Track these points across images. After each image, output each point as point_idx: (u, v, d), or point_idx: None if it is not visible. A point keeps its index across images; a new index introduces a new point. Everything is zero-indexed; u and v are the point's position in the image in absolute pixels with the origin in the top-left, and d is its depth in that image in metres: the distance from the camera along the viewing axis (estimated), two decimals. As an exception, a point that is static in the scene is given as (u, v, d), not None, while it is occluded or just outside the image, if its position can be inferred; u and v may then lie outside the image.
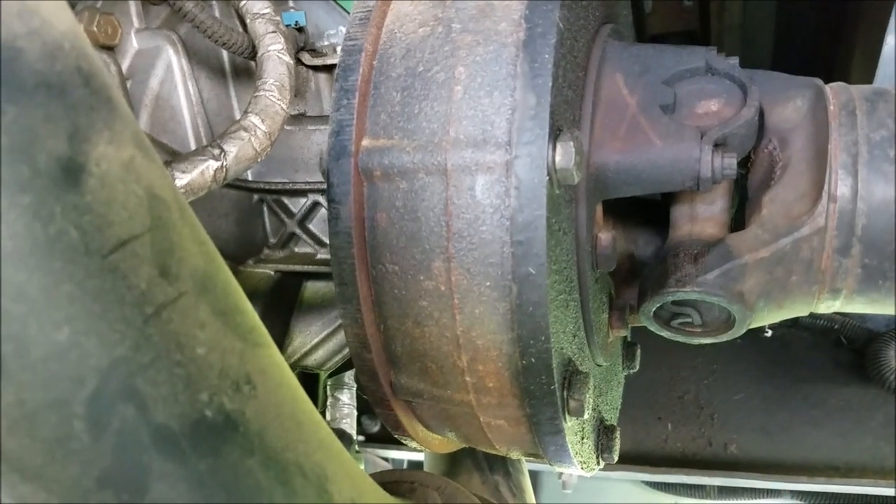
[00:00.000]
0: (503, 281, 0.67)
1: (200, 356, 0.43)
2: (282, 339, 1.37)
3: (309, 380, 1.72)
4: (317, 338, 1.38)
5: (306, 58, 1.22)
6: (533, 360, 0.69)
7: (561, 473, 1.64)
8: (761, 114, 0.78)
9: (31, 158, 0.36)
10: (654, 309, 0.80)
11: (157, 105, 1.01)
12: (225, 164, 0.85)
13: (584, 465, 0.85)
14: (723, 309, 0.77)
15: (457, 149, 0.68)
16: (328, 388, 1.61)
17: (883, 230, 0.71)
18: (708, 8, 1.79)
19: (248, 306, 0.49)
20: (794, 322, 1.63)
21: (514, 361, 0.71)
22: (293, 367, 1.39)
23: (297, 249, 1.34)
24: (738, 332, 0.79)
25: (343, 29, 1.21)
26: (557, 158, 0.64)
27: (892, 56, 1.12)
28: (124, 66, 1.02)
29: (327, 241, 0.85)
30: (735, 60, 0.80)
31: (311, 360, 1.41)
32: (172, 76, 1.03)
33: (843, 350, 1.62)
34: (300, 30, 1.19)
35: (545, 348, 0.68)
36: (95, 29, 0.93)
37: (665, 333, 0.84)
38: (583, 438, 0.84)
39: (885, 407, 1.50)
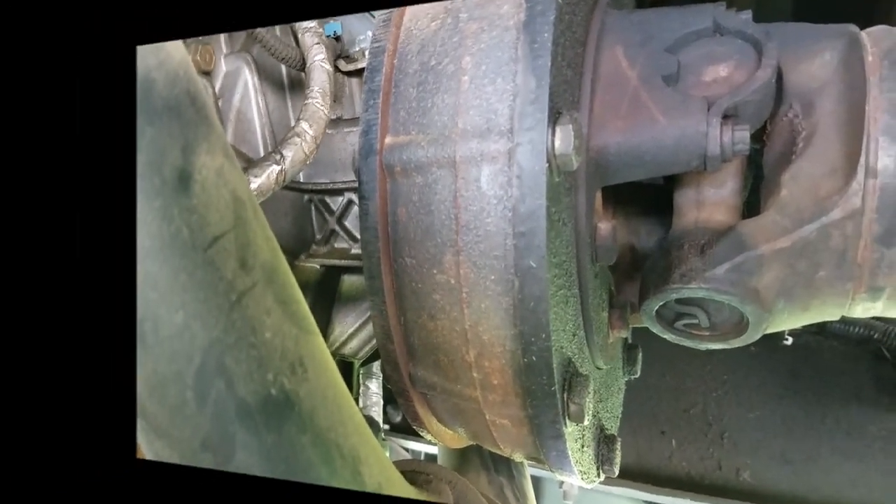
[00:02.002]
0: (506, 275, 0.65)
1: (268, 339, 0.48)
2: (325, 329, 1.49)
3: (345, 368, 1.83)
4: (352, 328, 1.49)
5: (342, 64, 1.34)
6: (534, 357, 0.66)
7: (562, 483, 1.52)
8: (779, 75, 0.68)
9: (160, 169, 0.43)
10: (656, 308, 0.72)
11: (239, 119, 1.15)
12: (284, 167, 0.96)
13: (584, 476, 0.80)
14: (734, 309, 0.67)
15: (464, 140, 0.66)
16: (361, 375, 1.69)
17: None
18: None
19: (301, 296, 0.54)
20: (822, 328, 1.34)
21: (517, 359, 0.67)
22: (333, 355, 1.51)
23: (336, 245, 1.46)
24: (751, 336, 0.69)
25: (370, 33, 1.35)
26: (557, 144, 0.61)
27: None
28: (217, 87, 1.17)
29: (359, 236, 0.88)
30: (748, 15, 0.71)
31: (348, 349, 1.53)
32: (248, 93, 1.17)
33: (886, 365, 1.34)
34: (337, 38, 1.32)
35: (546, 346, 0.64)
36: (198, 58, 1.10)
37: (669, 336, 0.75)
38: (583, 446, 0.79)
39: None
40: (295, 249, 1.34)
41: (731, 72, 0.69)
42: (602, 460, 0.85)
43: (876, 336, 1.27)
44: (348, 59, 1.37)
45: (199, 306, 0.44)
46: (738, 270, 0.65)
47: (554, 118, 0.63)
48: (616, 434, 0.92)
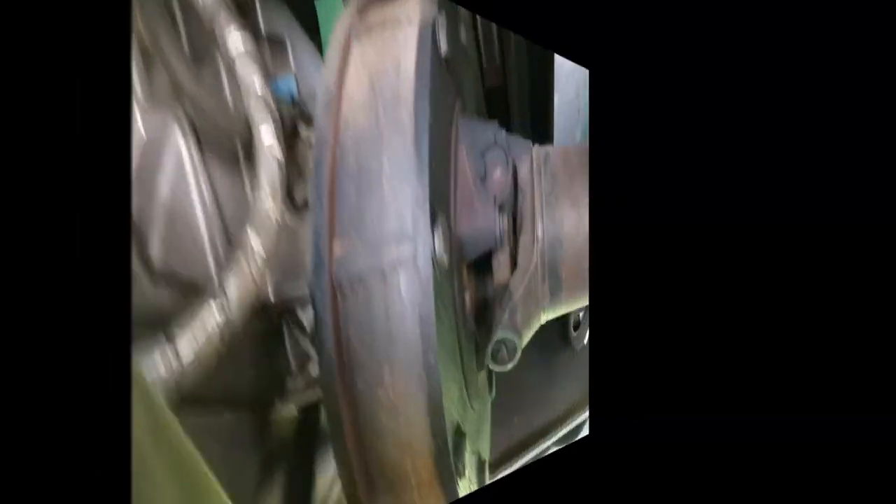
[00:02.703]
0: (419, 374, 0.68)
1: None
2: (311, 489, 1.09)
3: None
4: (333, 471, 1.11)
5: (303, 130, 0.97)
6: (439, 441, 0.71)
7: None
8: (515, 173, 0.94)
9: None
10: (490, 352, 0.94)
11: (170, 221, 0.70)
12: (229, 315, 0.63)
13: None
14: (511, 340, 0.91)
15: (387, 245, 0.68)
16: None
17: (552, 259, 0.93)
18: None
19: None
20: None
21: (432, 447, 0.72)
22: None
23: (313, 372, 1.07)
24: (518, 355, 0.97)
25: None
26: (436, 246, 0.68)
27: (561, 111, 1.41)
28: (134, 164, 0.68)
29: None
30: (503, 133, 0.93)
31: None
32: (184, 174, 0.71)
33: (562, 326, 2.04)
34: (293, 101, 0.94)
35: (443, 427, 0.70)
36: None
37: (498, 369, 0.98)
38: (469, 486, 0.89)
39: (571, 360, 2.00)
40: (265, 399, 0.91)
41: (502, 174, 0.92)
42: (480, 484, 0.98)
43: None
44: (309, 121, 0.99)
45: None
46: (511, 314, 0.91)
47: (434, 221, 0.69)
48: (486, 457, 1.08)
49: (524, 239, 0.95)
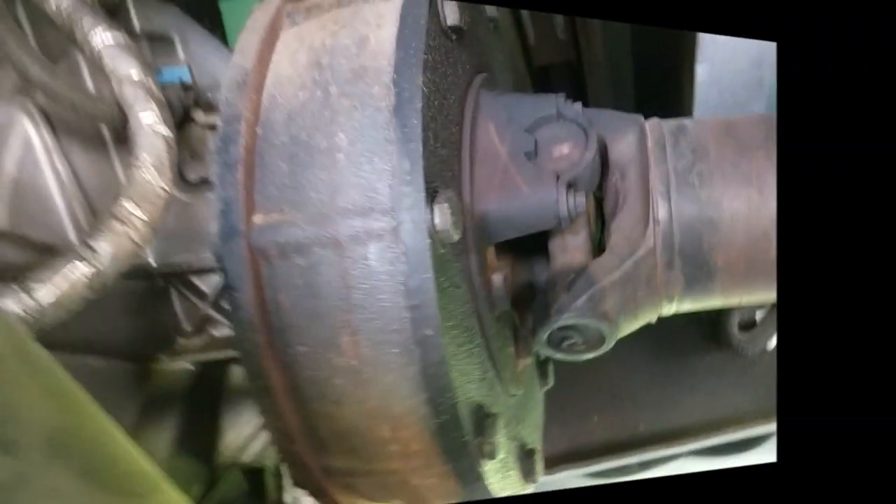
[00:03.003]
0: (407, 345, 0.69)
1: None
2: (213, 438, 1.20)
3: (254, 473, 1.52)
4: (250, 428, 1.23)
5: (199, 116, 1.08)
6: (444, 416, 0.71)
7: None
8: (605, 149, 0.89)
9: None
10: (545, 337, 0.86)
11: (17, 193, 0.84)
12: (99, 266, 0.71)
13: (515, 489, 0.90)
14: (595, 328, 0.85)
15: (346, 218, 0.68)
16: (283, 469, 1.52)
17: (692, 244, 0.84)
18: (578, 39, 1.90)
19: (124, 451, 0.45)
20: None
21: (430, 421, 0.72)
22: (230, 467, 1.21)
23: (215, 333, 1.18)
24: (608, 345, 0.88)
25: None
26: (436, 221, 0.66)
27: (701, 81, 1.26)
28: None
29: None
30: (579, 106, 0.88)
31: (248, 456, 1.25)
32: (34, 154, 0.85)
33: (704, 322, 1.81)
34: (187, 87, 1.05)
35: (452, 403, 0.71)
36: None
37: (559, 356, 0.90)
38: (507, 471, 0.88)
39: (734, 365, 1.76)
40: (147, 350, 1.05)
41: (570, 150, 0.86)
42: (526, 473, 0.95)
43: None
44: (208, 107, 1.10)
45: None
46: (591, 300, 0.83)
47: (431, 197, 0.68)
48: (537, 446, 1.04)
49: (623, 220, 0.86)
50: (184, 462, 1.09)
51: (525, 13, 1.80)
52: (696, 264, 0.85)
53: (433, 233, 0.67)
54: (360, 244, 0.67)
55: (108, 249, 0.75)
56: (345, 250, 0.68)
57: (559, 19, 1.82)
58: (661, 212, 0.84)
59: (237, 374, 1.24)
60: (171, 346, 1.09)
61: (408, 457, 0.76)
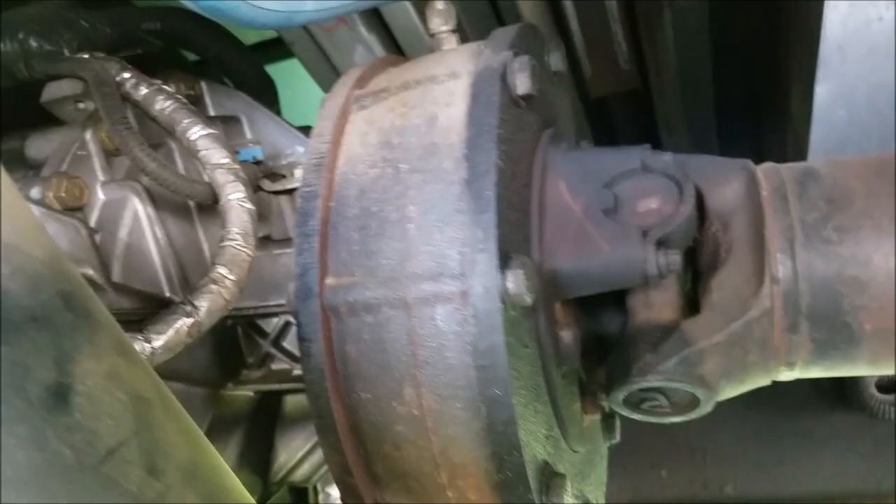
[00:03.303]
0: (473, 402, 0.70)
1: None
2: (269, 457, 1.39)
3: (300, 494, 1.72)
4: (301, 452, 1.38)
5: (266, 184, 1.28)
6: (510, 473, 0.71)
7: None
8: (701, 198, 0.82)
9: (24, 391, 0.38)
10: (622, 398, 0.82)
11: (128, 253, 1.06)
12: (198, 318, 0.89)
13: None
14: (687, 391, 0.79)
15: (415, 282, 0.72)
16: (319, 483, 1.62)
17: (826, 306, 0.74)
18: (646, 67, 1.82)
19: (234, 483, 0.53)
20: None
21: (493, 475, 0.73)
22: (280, 483, 1.39)
23: (273, 367, 1.37)
24: (704, 410, 0.81)
25: (300, 149, 1.26)
26: (509, 286, 0.68)
27: (823, 103, 1.11)
28: (93, 220, 1.07)
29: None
30: (669, 157, 0.83)
31: (298, 476, 1.41)
32: (140, 224, 1.08)
33: (823, 377, 1.62)
34: (258, 163, 1.27)
35: (519, 462, 0.70)
36: (64, 194, 1.00)
37: (637, 416, 0.86)
38: None
39: (871, 431, 1.50)
40: (218, 379, 1.26)
41: (660, 204, 0.80)
42: None
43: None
44: (273, 177, 1.32)
45: None
46: (685, 363, 0.77)
47: (504, 262, 0.69)
48: (600, 502, 1.01)
49: (728, 277, 0.79)
50: (243, 475, 1.28)
51: (579, 45, 1.75)
52: (832, 329, 0.75)
53: (506, 297, 0.68)
54: (428, 305, 0.71)
55: (205, 305, 0.91)
56: (412, 310, 0.71)
57: (622, 48, 1.75)
58: (783, 270, 0.75)
59: (291, 403, 1.41)
60: (236, 376, 1.30)
61: None
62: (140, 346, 0.81)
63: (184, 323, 0.86)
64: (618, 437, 1.13)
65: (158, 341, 0.84)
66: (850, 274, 0.73)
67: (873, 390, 1.46)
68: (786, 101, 1.39)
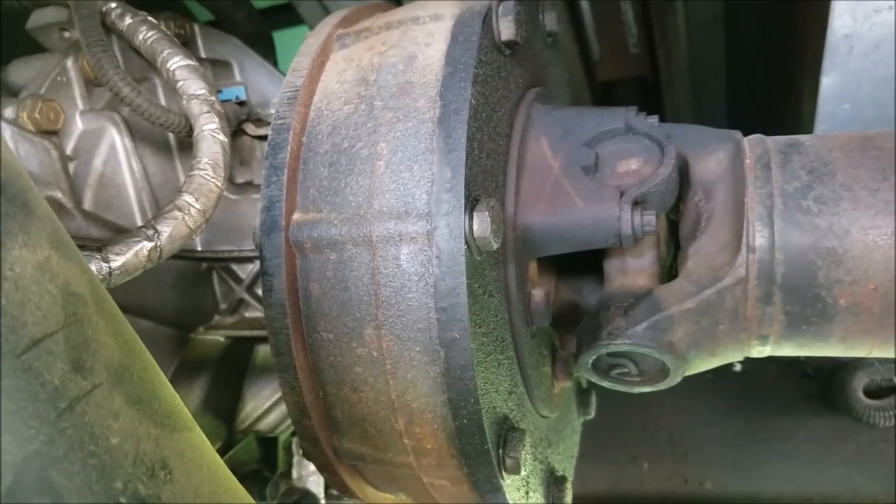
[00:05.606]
0: (432, 346, 0.69)
1: (115, 445, 0.44)
2: (235, 404, 1.39)
3: (268, 443, 1.72)
4: (268, 402, 1.38)
5: (250, 128, 1.27)
6: (465, 421, 0.71)
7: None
8: (686, 166, 0.81)
9: None
10: (590, 361, 0.81)
11: (102, 184, 1.07)
12: (159, 244, 0.87)
13: None
14: (656, 359, 0.77)
15: (381, 220, 0.71)
16: (294, 445, 1.62)
17: (801, 278, 0.72)
18: (655, 53, 1.80)
19: (167, 391, 0.52)
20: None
21: (449, 423, 0.72)
22: (246, 431, 1.40)
23: (247, 314, 1.37)
24: (673, 380, 0.80)
25: None
26: (475, 227, 0.67)
27: (828, 98, 1.09)
28: (69, 147, 1.06)
29: None
30: (654, 119, 0.82)
31: (264, 425, 1.42)
32: (116, 155, 1.08)
33: (810, 381, 1.61)
34: (242, 103, 1.25)
35: (475, 409, 0.70)
36: (38, 115, 0.99)
37: (605, 383, 0.84)
38: (528, 493, 0.84)
39: (854, 436, 1.49)
40: (188, 322, 1.25)
41: (640, 166, 0.79)
42: (553, 500, 0.91)
43: (802, 358, 1.52)
44: (258, 122, 1.31)
45: (7, 418, 0.39)
46: (655, 328, 0.76)
47: (472, 205, 0.68)
48: (568, 475, 0.99)
49: (704, 244, 0.77)
50: (206, 420, 1.28)
51: (589, 26, 1.72)
52: (805, 301, 0.73)
53: (470, 239, 0.67)
54: (392, 245, 0.70)
55: (167, 231, 0.88)
56: (377, 249, 0.71)
57: (632, 31, 1.72)
58: (760, 238, 0.73)
59: (263, 352, 1.41)
60: (208, 321, 1.29)
61: (419, 453, 0.76)
62: (97, 265, 0.80)
63: (143, 246, 0.84)
64: (592, 413, 1.13)
65: (116, 262, 0.82)
66: (826, 245, 0.71)
67: (860, 395, 1.46)
68: (797, 101, 1.36)
